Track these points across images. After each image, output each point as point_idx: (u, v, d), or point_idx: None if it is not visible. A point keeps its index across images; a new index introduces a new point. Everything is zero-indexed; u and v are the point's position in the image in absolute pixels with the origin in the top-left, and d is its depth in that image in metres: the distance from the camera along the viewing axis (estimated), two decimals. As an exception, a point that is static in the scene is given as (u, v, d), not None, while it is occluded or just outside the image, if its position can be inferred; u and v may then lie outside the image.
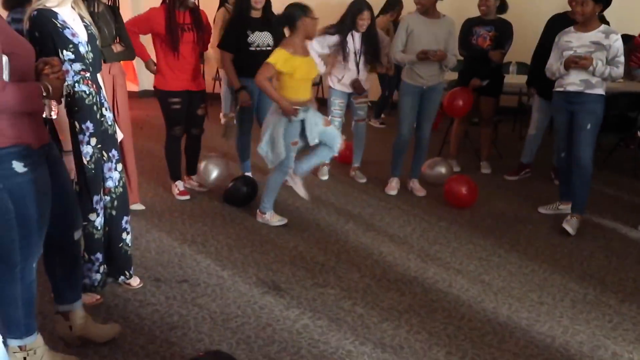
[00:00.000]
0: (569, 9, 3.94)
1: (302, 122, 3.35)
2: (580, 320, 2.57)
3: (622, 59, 3.38)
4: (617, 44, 3.36)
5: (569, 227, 3.52)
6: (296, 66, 3.24)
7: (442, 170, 4.33)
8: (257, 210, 3.61)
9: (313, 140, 3.40)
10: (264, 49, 3.82)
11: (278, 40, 3.78)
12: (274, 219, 3.57)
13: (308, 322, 2.52)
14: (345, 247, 3.29)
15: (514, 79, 5.58)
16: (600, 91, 3.41)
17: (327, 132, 3.46)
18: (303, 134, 3.39)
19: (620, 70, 3.38)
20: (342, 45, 4.06)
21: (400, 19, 4.06)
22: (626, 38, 5.44)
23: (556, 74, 3.57)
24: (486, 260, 3.16)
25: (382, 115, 6.56)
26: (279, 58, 3.22)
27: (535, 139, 4.49)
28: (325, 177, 4.50)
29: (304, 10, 3.27)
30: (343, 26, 4.05)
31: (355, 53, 4.11)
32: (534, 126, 4.47)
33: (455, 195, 3.92)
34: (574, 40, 3.46)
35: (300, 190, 3.63)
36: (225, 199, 3.90)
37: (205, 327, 2.45)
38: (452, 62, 3.95)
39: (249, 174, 4.23)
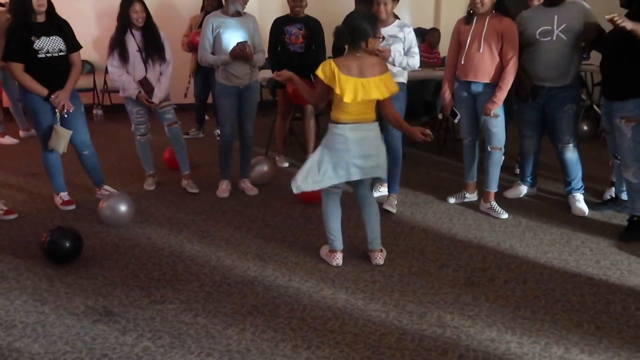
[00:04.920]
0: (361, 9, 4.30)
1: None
2: (408, 292, 2.81)
3: (416, 49, 3.73)
4: (410, 36, 3.70)
5: (389, 206, 3.83)
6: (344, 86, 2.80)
7: (265, 168, 4.38)
8: (379, 252, 3.09)
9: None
10: (55, 55, 3.53)
11: (70, 43, 3.56)
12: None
13: (148, 343, 2.37)
14: (181, 257, 3.16)
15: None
16: (402, 79, 3.73)
17: None
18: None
19: (416, 60, 3.72)
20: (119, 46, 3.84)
21: (205, 19, 3.95)
22: (419, 31, 6.09)
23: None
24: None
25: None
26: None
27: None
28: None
29: (373, 30, 2.82)
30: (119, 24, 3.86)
31: (138, 50, 3.89)
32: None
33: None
34: (376, 34, 3.74)
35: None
36: (47, 254, 3.06)
37: (28, 373, 2.17)
38: (261, 60, 4.00)
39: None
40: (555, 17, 3.54)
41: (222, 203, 4.03)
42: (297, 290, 2.81)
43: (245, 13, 3.94)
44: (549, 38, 3.56)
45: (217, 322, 2.52)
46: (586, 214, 3.77)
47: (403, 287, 2.85)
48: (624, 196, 3.74)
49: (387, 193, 3.98)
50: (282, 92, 4.76)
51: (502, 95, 3.52)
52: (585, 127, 5.66)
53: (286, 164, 4.93)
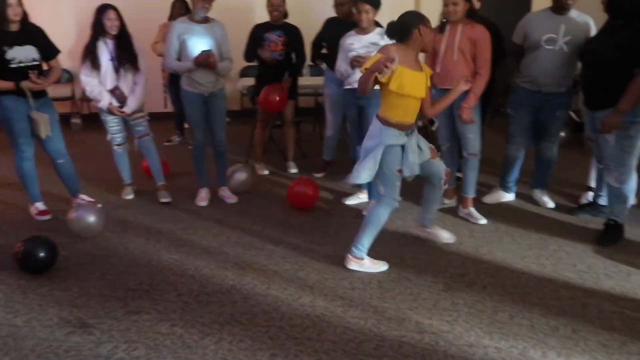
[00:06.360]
0: (339, 13, 4.44)
1: (404, 147, 2.94)
2: (387, 298, 2.80)
3: (397, 56, 3.77)
4: (391, 44, 3.74)
5: (369, 213, 3.83)
6: (406, 80, 2.83)
7: (244, 176, 4.36)
8: (348, 255, 3.08)
9: (411, 170, 2.96)
10: (29, 64, 3.50)
11: (45, 52, 3.54)
12: (375, 265, 3.08)
13: (123, 355, 2.33)
14: (158, 267, 3.12)
15: (309, 81, 5.87)
16: (382, 86, 3.75)
17: (431, 164, 3.09)
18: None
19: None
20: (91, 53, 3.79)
21: (172, 25, 3.91)
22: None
23: (344, 74, 3.87)
24: (300, 257, 3.26)
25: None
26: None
27: (332, 137, 4.78)
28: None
29: (422, 18, 2.88)
30: (93, 32, 3.80)
31: (110, 59, 3.84)
32: (330, 127, 4.75)
33: (303, 196, 4.00)
34: (355, 42, 3.78)
35: (445, 238, 3.40)
36: (21, 264, 3.02)
37: (-3, 387, 2.12)
38: (227, 68, 3.96)
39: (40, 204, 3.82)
40: (562, 26, 3.62)
41: (201, 211, 4.00)
42: (276, 299, 2.79)
43: (213, 20, 3.91)
44: (553, 47, 3.64)
45: (194, 332, 2.49)
46: (554, 207, 4.00)
47: (382, 294, 2.84)
48: (602, 201, 3.79)
49: (367, 200, 3.98)
50: (262, 100, 4.74)
51: (472, 100, 3.54)
52: (562, 134, 5.73)
53: (266, 172, 4.91)
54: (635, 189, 3.50)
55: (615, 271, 3.09)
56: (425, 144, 3.07)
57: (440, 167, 3.14)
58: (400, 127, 2.91)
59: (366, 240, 3.05)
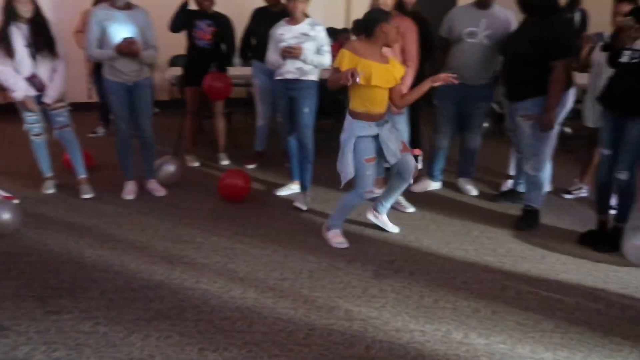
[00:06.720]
0: (267, 3, 4.50)
1: (377, 138, 3.14)
2: (317, 287, 2.83)
3: (327, 48, 3.78)
4: (322, 34, 3.75)
5: (300, 204, 3.85)
6: (372, 72, 3.00)
7: (172, 167, 4.25)
8: (323, 225, 3.41)
9: (392, 159, 3.17)
10: None
11: None
12: (336, 238, 3.32)
13: (42, 357, 2.23)
14: (80, 264, 3.00)
15: (240, 71, 5.79)
16: (313, 77, 3.77)
17: (403, 157, 3.23)
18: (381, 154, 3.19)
19: (326, 58, 3.77)
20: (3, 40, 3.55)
21: (92, 12, 3.72)
22: (331, 31, 6.17)
23: (275, 64, 3.84)
24: (231, 249, 3.23)
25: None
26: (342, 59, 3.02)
27: (263, 128, 4.77)
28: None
29: (385, 17, 3.05)
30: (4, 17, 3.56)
31: (26, 45, 3.60)
32: (261, 117, 4.73)
33: (234, 188, 3.96)
34: (286, 33, 3.75)
35: (390, 228, 3.53)
36: None
37: None
38: (151, 57, 3.84)
39: None
40: (483, 20, 3.76)
41: (127, 205, 3.87)
42: (205, 292, 2.75)
43: (135, 6, 3.77)
44: (474, 40, 3.78)
45: (119, 330, 2.41)
46: (477, 194, 4.20)
47: (312, 284, 2.87)
48: (521, 188, 4.00)
49: (298, 190, 4.00)
50: (191, 90, 4.64)
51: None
52: (485, 124, 5.98)
53: (197, 164, 4.82)
54: (550, 177, 3.71)
55: (532, 254, 3.27)
56: (396, 137, 3.26)
57: (411, 161, 3.29)
58: (368, 117, 3.11)
59: (335, 219, 3.34)
